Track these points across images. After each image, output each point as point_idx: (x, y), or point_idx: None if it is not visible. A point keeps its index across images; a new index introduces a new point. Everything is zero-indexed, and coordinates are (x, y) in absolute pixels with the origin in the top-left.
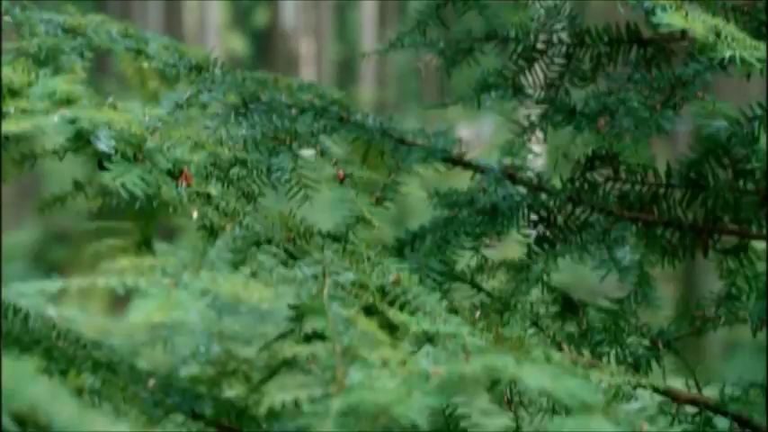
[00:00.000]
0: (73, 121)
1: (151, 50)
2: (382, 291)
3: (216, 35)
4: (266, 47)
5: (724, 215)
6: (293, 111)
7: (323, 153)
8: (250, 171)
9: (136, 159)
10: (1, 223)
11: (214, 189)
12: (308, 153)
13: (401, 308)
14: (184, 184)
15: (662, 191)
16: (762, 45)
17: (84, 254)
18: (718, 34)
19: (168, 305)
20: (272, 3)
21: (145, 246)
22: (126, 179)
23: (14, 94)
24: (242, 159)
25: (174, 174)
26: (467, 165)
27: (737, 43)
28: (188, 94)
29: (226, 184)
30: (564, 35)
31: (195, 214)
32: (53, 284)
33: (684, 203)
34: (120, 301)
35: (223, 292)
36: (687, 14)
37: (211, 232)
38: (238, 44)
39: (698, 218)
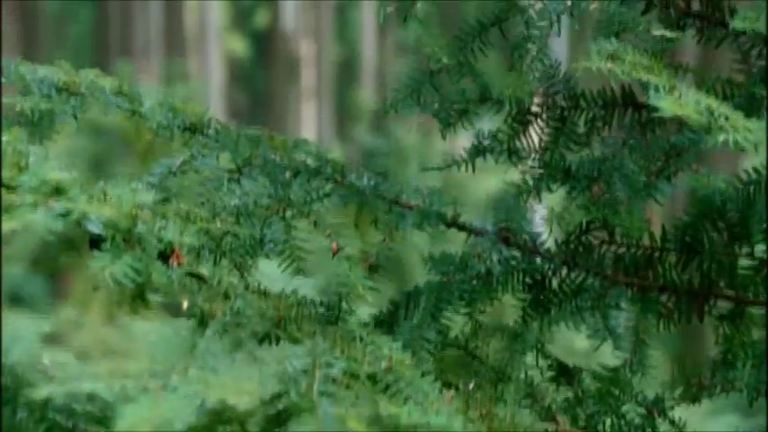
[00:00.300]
0: (63, 215)
1: (145, 109)
2: (374, 379)
3: (216, 36)
4: (266, 48)
5: (720, 279)
6: (287, 174)
7: (316, 224)
8: (243, 242)
9: (126, 243)
10: (1, 240)
11: (206, 269)
12: None
13: (393, 396)
14: (176, 263)
15: (657, 254)
16: (756, 125)
17: (83, 260)
18: (711, 113)
19: (157, 413)
20: (273, 4)
21: (140, 298)
22: (115, 269)
23: (3, 185)
24: (234, 233)
25: (166, 254)
26: (461, 227)
27: (731, 123)
28: (181, 161)
29: (218, 256)
30: (559, 98)
31: (186, 303)
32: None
33: (680, 267)
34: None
35: (212, 396)
36: (680, 95)
37: (201, 321)
38: (239, 46)
39: (693, 282)
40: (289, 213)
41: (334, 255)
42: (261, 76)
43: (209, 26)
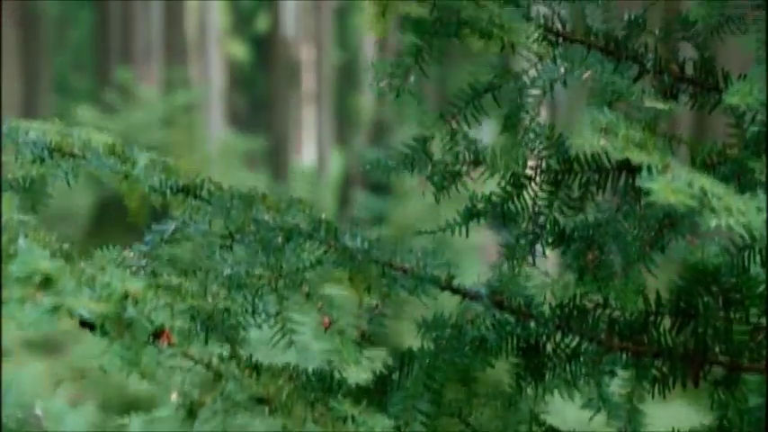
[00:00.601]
0: (51, 311)
1: (138, 170)
2: None
3: (216, 41)
4: (267, 53)
5: (715, 345)
6: (279, 239)
7: (308, 295)
8: (234, 315)
9: (116, 329)
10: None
11: (196, 349)
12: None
13: None
14: (166, 344)
15: (652, 319)
16: (748, 204)
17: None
18: (704, 193)
19: None
20: (273, 9)
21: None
22: (105, 360)
23: None
24: (226, 307)
25: (157, 333)
26: (455, 290)
27: (724, 204)
28: (173, 227)
29: (209, 331)
30: (552, 161)
31: (175, 396)
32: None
33: (674, 332)
34: None
35: None
36: (673, 177)
37: (190, 412)
38: (239, 50)
39: (688, 347)
40: (281, 283)
41: (326, 329)
42: (261, 80)
43: (210, 30)
